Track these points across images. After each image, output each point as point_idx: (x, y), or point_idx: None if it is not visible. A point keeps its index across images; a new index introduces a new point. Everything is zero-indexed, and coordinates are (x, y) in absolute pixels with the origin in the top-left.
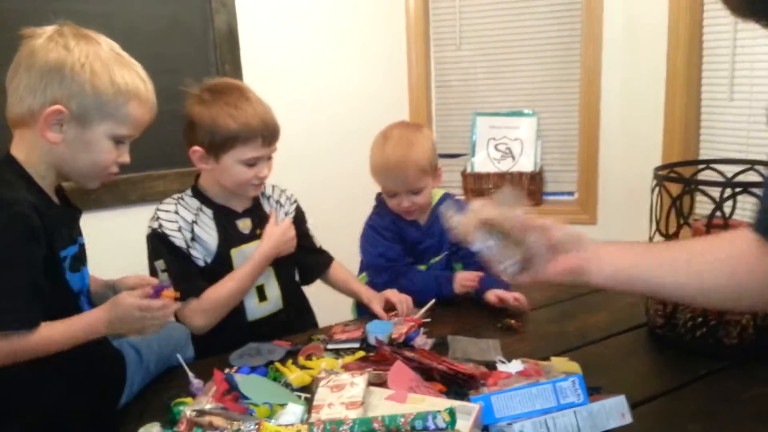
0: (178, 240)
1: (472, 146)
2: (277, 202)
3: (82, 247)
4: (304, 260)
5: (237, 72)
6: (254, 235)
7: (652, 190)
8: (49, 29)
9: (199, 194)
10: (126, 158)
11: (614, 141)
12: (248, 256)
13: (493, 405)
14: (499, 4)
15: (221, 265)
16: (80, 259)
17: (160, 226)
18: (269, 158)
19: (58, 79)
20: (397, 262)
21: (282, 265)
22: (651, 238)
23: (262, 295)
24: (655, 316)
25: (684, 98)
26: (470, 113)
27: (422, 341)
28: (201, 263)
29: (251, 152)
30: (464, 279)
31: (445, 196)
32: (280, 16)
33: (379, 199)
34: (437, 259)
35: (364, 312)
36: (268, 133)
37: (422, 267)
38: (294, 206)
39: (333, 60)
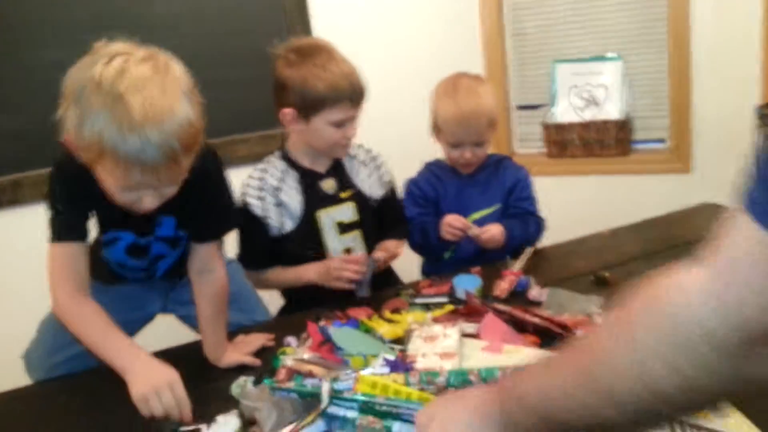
0: (257, 208)
1: (552, 96)
2: (362, 162)
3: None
4: (387, 231)
5: (306, 30)
6: (338, 197)
7: (754, 132)
8: None
9: (286, 157)
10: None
11: (707, 82)
12: (334, 220)
13: None
14: None
15: (307, 227)
16: None
17: (243, 194)
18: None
19: None
20: (412, 220)
21: (368, 232)
22: None
23: None
24: None
25: None
26: (549, 61)
27: (537, 292)
28: (287, 228)
29: (339, 114)
30: (449, 223)
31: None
32: None
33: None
34: (488, 211)
35: (429, 270)
36: (355, 95)
37: (475, 216)
38: (388, 175)
39: (401, 14)
